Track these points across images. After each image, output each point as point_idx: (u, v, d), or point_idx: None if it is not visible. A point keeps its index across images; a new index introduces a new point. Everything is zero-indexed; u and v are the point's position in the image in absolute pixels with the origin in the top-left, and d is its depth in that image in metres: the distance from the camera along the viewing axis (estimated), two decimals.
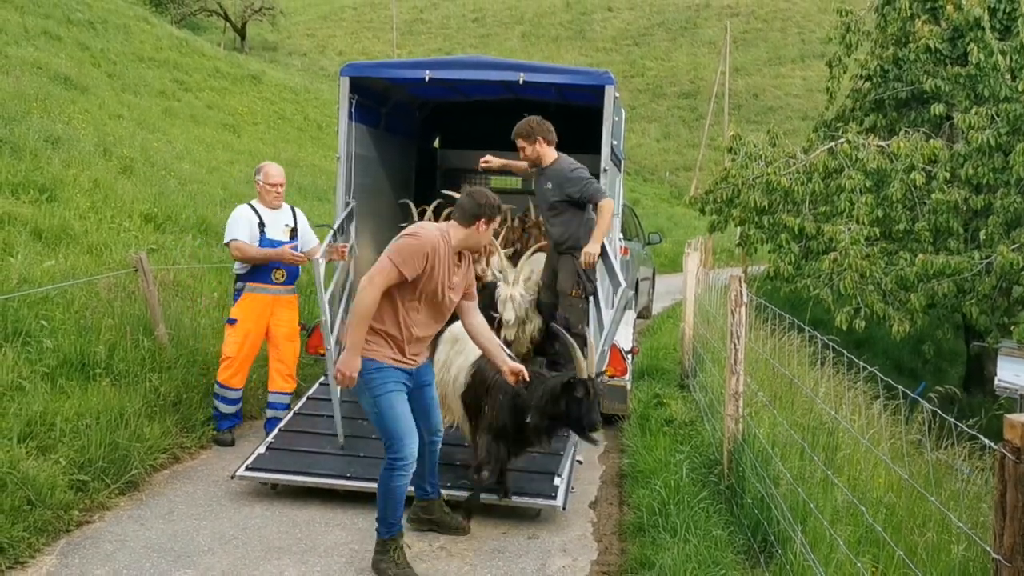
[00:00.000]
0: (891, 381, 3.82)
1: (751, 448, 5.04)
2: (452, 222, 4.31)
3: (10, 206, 8.20)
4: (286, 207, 6.52)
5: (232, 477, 5.43)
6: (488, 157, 6.66)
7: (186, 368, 6.59)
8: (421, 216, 7.54)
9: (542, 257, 6.74)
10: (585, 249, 5.92)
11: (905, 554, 3.66)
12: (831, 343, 4.98)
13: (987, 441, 2.78)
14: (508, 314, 6.31)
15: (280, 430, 6.00)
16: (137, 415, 5.75)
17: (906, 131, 12.36)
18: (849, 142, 12.25)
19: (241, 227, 6.22)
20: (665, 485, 5.10)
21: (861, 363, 4.26)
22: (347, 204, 7.20)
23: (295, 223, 6.47)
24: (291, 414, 6.31)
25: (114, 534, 4.73)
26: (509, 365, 4.50)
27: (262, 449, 5.68)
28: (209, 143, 16.45)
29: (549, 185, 6.16)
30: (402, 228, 5.22)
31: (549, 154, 6.14)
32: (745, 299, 5.20)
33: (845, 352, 4.42)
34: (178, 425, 6.15)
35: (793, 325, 6.50)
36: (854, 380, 6.17)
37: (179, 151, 14.22)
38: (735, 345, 5.15)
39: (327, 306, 5.77)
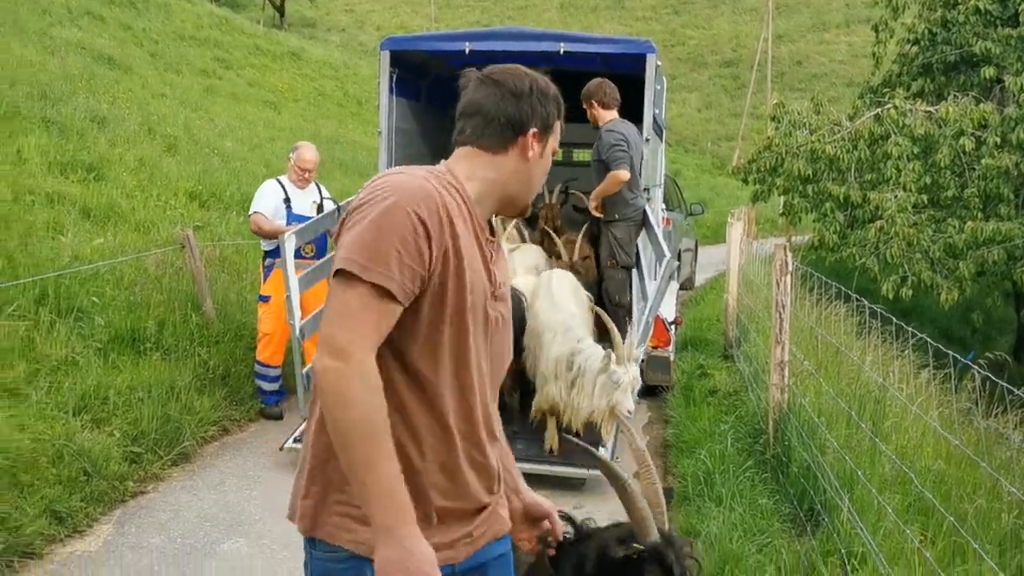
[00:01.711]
0: (940, 347, 3.75)
1: (797, 417, 5.01)
2: (461, 152, 1.95)
3: (59, 185, 8.35)
4: (313, 185, 6.58)
5: (280, 449, 5.53)
6: None
7: (233, 342, 6.70)
8: None
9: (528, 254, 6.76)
10: (590, 199, 6.23)
11: (955, 521, 3.62)
12: (879, 311, 4.92)
13: None
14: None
15: None
16: (187, 388, 5.87)
17: (955, 96, 12.05)
18: (896, 108, 11.98)
19: (264, 201, 6.31)
20: (710, 455, 5.09)
21: (910, 329, 4.19)
22: None
23: (322, 200, 6.52)
24: None
25: (168, 504, 4.85)
26: (527, 504, 2.14)
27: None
28: (251, 120, 16.58)
29: (595, 146, 6.18)
30: None
31: (603, 116, 6.13)
32: (790, 268, 5.14)
33: (893, 319, 4.35)
34: (227, 398, 6.26)
35: (839, 294, 6.42)
36: (901, 349, 6.08)
37: (221, 129, 14.35)
38: (780, 314, 5.10)
39: (295, 287, 5.59)
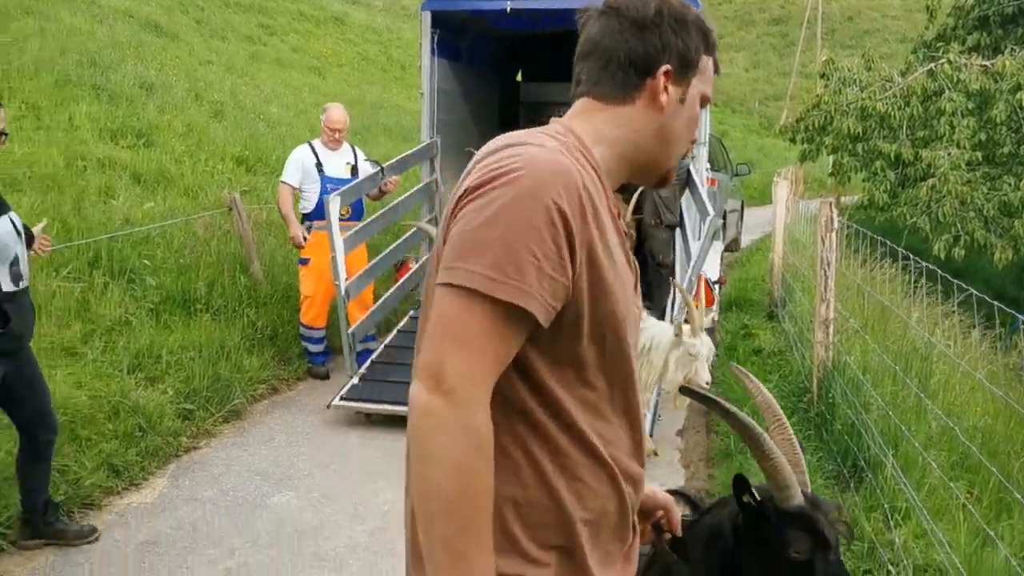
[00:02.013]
0: (988, 299, 3.69)
1: (841, 375, 4.97)
2: (578, 107, 1.50)
3: (110, 151, 8.52)
4: (347, 146, 6.60)
5: (328, 407, 5.65)
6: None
7: (280, 303, 6.82)
8: None
9: None
10: None
11: (1002, 477, 3.58)
12: (927, 268, 4.83)
13: None
14: None
15: (372, 362, 6.18)
16: (237, 348, 6.01)
17: (1012, 49, 11.66)
18: (950, 62, 11.64)
19: (291, 169, 6.38)
20: (753, 412, 5.07)
21: (956, 283, 4.12)
22: (431, 140, 7.26)
23: (356, 161, 6.55)
24: (381, 346, 6.48)
25: (220, 459, 4.99)
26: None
27: (355, 380, 5.87)
28: (295, 86, 16.67)
29: None
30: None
31: None
32: (835, 225, 5.07)
33: (940, 273, 4.27)
34: (275, 358, 6.39)
35: (887, 253, 6.32)
36: (952, 308, 5.98)
37: (267, 95, 14.46)
38: (825, 272, 5.04)
39: (340, 248, 5.69)
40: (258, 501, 4.46)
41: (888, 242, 5.34)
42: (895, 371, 4.65)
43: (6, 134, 3.56)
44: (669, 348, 4.74)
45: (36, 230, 3.93)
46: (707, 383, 4.72)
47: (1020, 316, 4.91)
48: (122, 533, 4.06)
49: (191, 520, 4.22)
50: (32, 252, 3.87)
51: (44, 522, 3.85)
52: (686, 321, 4.80)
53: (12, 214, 3.56)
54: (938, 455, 4.24)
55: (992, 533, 3.30)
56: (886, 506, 3.86)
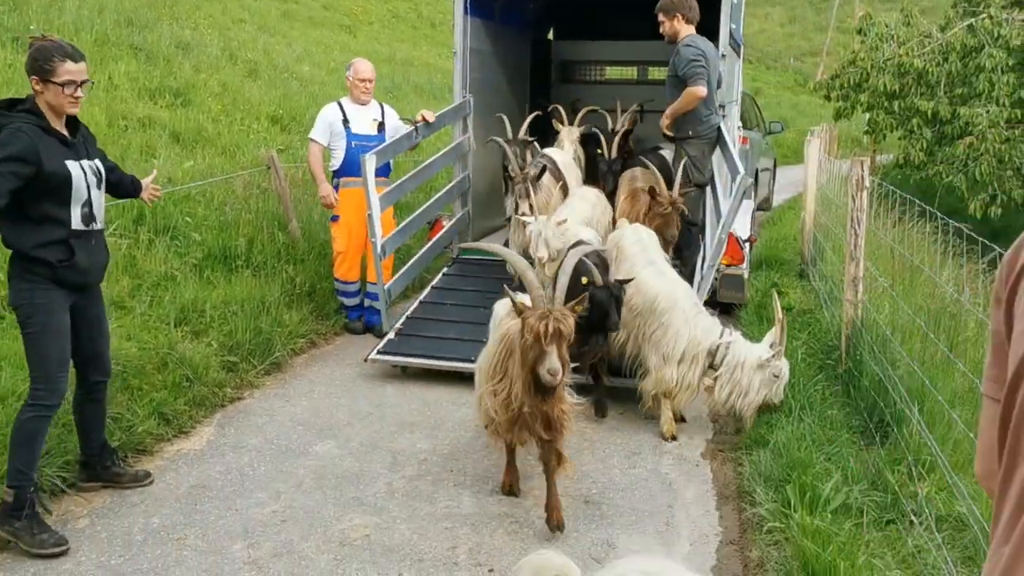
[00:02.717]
0: None
1: (870, 333, 5.03)
2: None
3: (149, 110, 8.68)
4: (374, 103, 6.64)
5: (365, 360, 5.82)
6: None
7: (318, 260, 6.98)
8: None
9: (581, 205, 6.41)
10: (660, 123, 6.21)
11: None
12: (960, 228, 4.86)
13: None
14: (541, 251, 5.50)
15: (407, 317, 6.33)
16: (276, 303, 6.19)
17: None
18: (991, 17, 11.43)
19: (320, 127, 6.45)
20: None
21: (980, 241, 4.15)
22: (463, 99, 7.33)
23: (383, 118, 6.60)
24: (416, 302, 6.63)
25: (263, 409, 5.18)
26: None
27: (391, 335, 6.03)
28: (327, 45, 16.73)
29: (670, 60, 6.10)
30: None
31: (684, 31, 6.00)
32: (867, 184, 5.10)
33: (968, 232, 4.31)
34: (313, 313, 6.56)
35: (922, 213, 6.31)
36: (986, 269, 5.99)
37: (299, 53, 14.55)
38: (855, 230, 5.09)
39: (376, 205, 5.83)
40: (301, 449, 4.65)
41: (918, 201, 5.36)
42: (923, 329, 4.70)
43: (91, 81, 3.74)
44: (755, 368, 4.62)
45: (146, 181, 4.24)
46: (781, 403, 4.67)
47: None
48: (173, 477, 4.26)
49: (238, 466, 4.42)
50: (144, 200, 4.29)
51: (102, 466, 4.06)
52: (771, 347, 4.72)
53: (88, 162, 3.74)
54: (965, 411, 4.31)
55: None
56: (911, 459, 3.95)
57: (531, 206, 6.00)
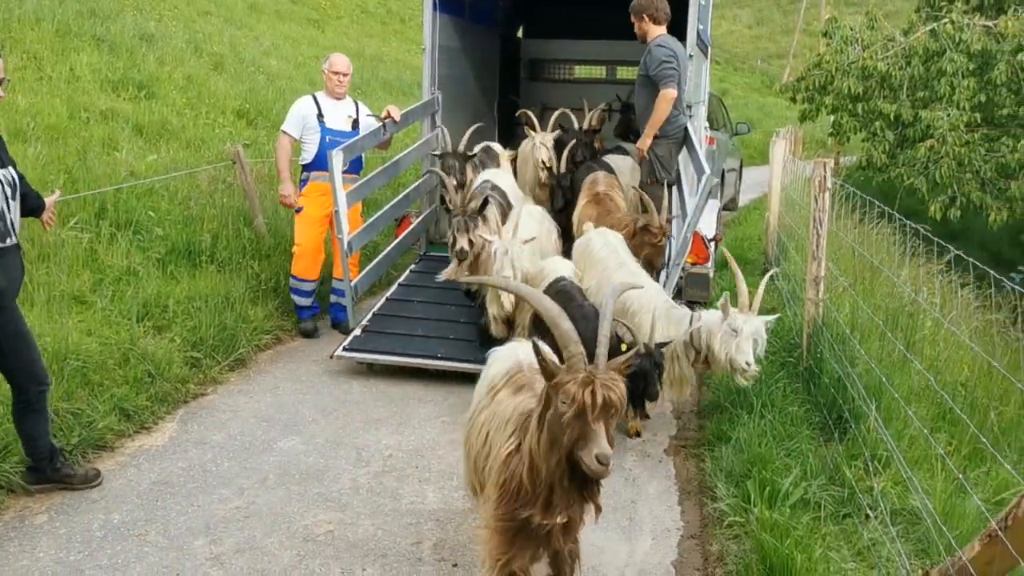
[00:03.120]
0: (974, 261, 3.81)
1: (830, 331, 5.11)
2: None
3: (112, 102, 8.57)
4: (349, 99, 6.60)
5: (331, 357, 5.80)
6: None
7: (284, 256, 6.93)
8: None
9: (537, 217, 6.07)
10: (636, 145, 6.11)
11: (977, 428, 3.74)
12: (919, 229, 4.95)
13: None
14: (507, 271, 5.04)
15: (374, 314, 6.32)
16: (241, 299, 6.15)
17: (1015, 9, 11.64)
18: (953, 22, 11.62)
19: (293, 120, 6.37)
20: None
21: (935, 240, 4.24)
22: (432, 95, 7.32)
23: (357, 115, 6.56)
24: (383, 299, 6.62)
25: (227, 405, 5.15)
26: None
27: (358, 331, 6.02)
28: (295, 39, 16.59)
29: (641, 60, 6.15)
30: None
31: (652, 31, 6.06)
32: (829, 184, 5.17)
33: (928, 234, 4.39)
34: (279, 309, 6.53)
35: (883, 215, 6.42)
36: (946, 269, 6.10)
37: (266, 47, 14.42)
38: (817, 230, 5.16)
39: (343, 201, 5.74)
40: (265, 445, 4.62)
41: (878, 203, 5.45)
42: (881, 327, 4.79)
43: (7, 80, 3.58)
44: (719, 327, 4.54)
45: (49, 201, 3.97)
46: (748, 364, 4.40)
47: (1010, 280, 5.04)
48: (135, 473, 4.22)
49: (200, 462, 4.38)
50: (42, 222, 3.97)
51: (52, 468, 3.96)
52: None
53: (2, 170, 3.55)
54: (920, 408, 4.40)
55: (965, 480, 3.47)
56: (867, 454, 4.02)
57: (471, 242, 5.44)
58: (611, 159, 7.16)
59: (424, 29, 7.24)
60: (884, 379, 4.26)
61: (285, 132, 6.40)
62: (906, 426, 4.12)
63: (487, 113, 8.94)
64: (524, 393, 2.85)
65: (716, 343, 4.52)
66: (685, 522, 4.01)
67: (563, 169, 6.91)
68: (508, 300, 5.23)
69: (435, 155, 6.99)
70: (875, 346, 4.86)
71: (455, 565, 3.55)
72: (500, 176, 6.69)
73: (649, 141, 6.02)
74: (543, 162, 6.81)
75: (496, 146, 7.63)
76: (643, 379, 4.40)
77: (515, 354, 3.12)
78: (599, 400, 2.36)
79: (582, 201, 6.45)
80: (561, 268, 5.16)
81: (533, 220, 5.84)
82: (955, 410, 3.67)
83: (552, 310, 2.56)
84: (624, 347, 4.30)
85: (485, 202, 5.67)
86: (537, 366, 2.55)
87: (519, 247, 5.09)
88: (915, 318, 5.08)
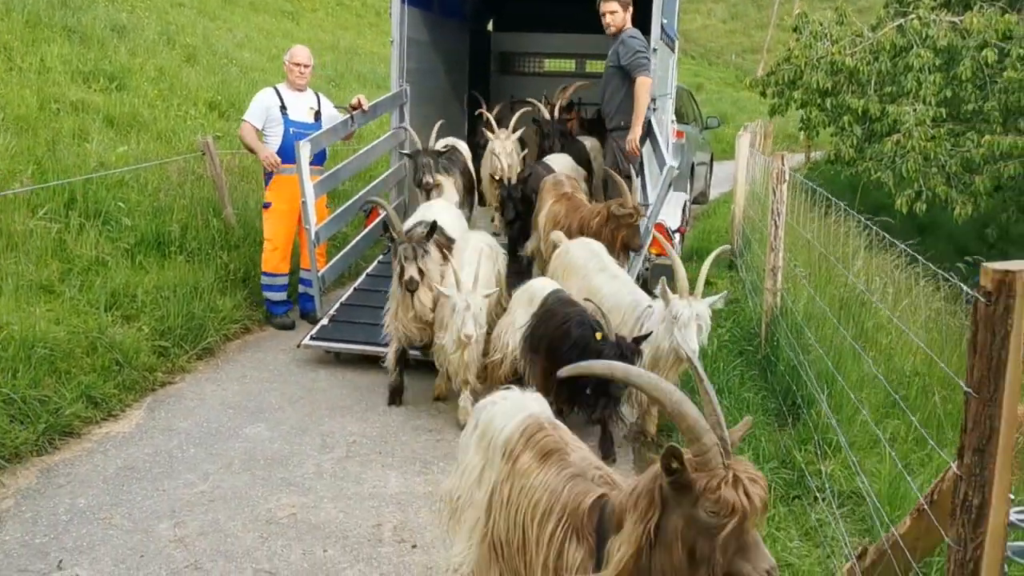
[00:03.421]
0: (921, 259, 3.93)
1: (786, 320, 5.24)
2: None
3: (83, 94, 8.56)
4: (311, 91, 6.63)
5: (298, 346, 5.87)
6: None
7: (253, 247, 6.97)
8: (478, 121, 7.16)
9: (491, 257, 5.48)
10: (628, 138, 6.11)
11: (922, 415, 3.88)
12: (870, 222, 5.08)
13: None
14: (469, 328, 4.48)
15: (341, 303, 6.39)
16: (210, 289, 6.20)
17: (981, 5, 11.84)
18: (920, 18, 11.81)
19: (255, 110, 6.37)
20: (701, 355, 5.34)
21: (889, 238, 4.37)
22: (400, 88, 7.39)
23: (319, 107, 6.60)
24: (351, 289, 6.69)
25: (194, 393, 5.21)
26: None
27: (325, 321, 6.09)
28: (269, 31, 16.56)
29: (610, 51, 6.25)
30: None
31: (626, 21, 6.22)
32: (787, 177, 5.30)
33: (874, 227, 4.52)
34: (247, 299, 6.57)
35: (847, 209, 6.57)
36: (907, 262, 6.25)
37: (240, 39, 14.39)
38: (775, 222, 5.29)
39: (311, 193, 5.81)
40: (231, 432, 4.69)
41: (831, 196, 5.59)
42: (830, 317, 4.93)
43: None
44: (661, 322, 4.29)
45: None
46: (693, 351, 4.09)
47: (971, 276, 5.19)
48: (101, 459, 4.28)
49: (167, 448, 4.45)
50: None
51: None
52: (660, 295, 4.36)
53: None
54: (873, 394, 4.54)
55: (905, 464, 3.60)
56: (817, 439, 4.15)
57: (421, 271, 4.89)
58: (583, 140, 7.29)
59: (392, 22, 7.29)
60: (834, 367, 4.39)
61: (247, 120, 6.40)
62: (855, 412, 4.26)
63: (457, 106, 9.01)
64: (554, 463, 2.41)
65: (660, 333, 4.30)
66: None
67: (517, 174, 6.80)
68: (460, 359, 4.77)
69: (405, 154, 7.00)
70: (828, 335, 4.99)
71: (414, 546, 3.65)
72: (440, 210, 5.92)
73: (639, 131, 6.06)
74: (499, 171, 6.80)
75: (462, 145, 7.64)
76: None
77: (524, 405, 2.71)
78: (757, 503, 1.90)
79: (549, 202, 6.27)
80: (548, 285, 4.83)
81: (474, 253, 5.09)
82: (895, 397, 3.80)
83: (673, 396, 2.04)
84: (599, 336, 4.10)
85: (433, 227, 5.05)
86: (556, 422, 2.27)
87: (480, 301, 4.57)
88: (868, 307, 5.22)
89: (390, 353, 5.21)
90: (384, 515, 3.89)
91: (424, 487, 4.16)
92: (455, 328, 4.54)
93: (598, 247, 5.27)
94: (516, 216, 6.60)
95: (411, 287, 4.84)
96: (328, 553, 3.56)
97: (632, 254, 6.15)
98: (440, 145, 6.99)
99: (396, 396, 5.21)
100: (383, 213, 7.28)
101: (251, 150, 6.49)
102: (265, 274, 6.46)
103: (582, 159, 7.38)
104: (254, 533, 3.69)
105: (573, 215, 5.95)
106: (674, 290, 4.37)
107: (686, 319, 4.20)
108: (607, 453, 4.47)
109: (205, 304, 6.02)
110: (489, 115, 7.37)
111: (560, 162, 6.89)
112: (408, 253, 4.88)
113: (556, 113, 7.54)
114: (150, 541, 3.59)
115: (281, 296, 6.55)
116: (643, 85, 5.98)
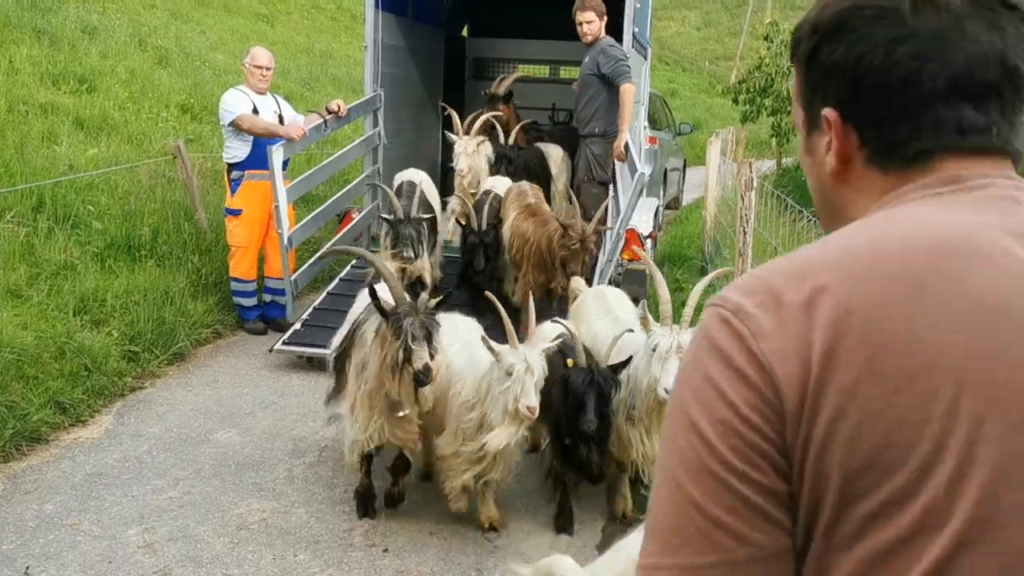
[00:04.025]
0: None
1: None
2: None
3: (52, 96, 8.49)
4: (270, 95, 6.52)
5: (270, 351, 5.86)
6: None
7: (224, 251, 6.93)
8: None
9: None
10: (615, 143, 6.14)
11: None
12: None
13: None
14: (532, 399, 3.42)
15: (314, 308, 6.39)
16: (181, 293, 6.17)
17: None
18: None
19: (240, 103, 6.19)
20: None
21: None
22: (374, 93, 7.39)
23: (280, 110, 6.50)
24: (324, 294, 6.68)
25: (164, 398, 5.18)
26: None
27: (298, 325, 6.08)
28: (243, 34, 16.48)
29: (587, 59, 6.33)
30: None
31: (603, 30, 6.32)
32: (755, 184, 5.38)
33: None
34: (219, 304, 6.55)
35: (814, 216, 6.67)
36: None
37: (213, 42, 14.32)
38: (744, 227, 5.36)
39: (284, 197, 5.79)
40: (202, 437, 4.68)
41: (793, 203, 5.67)
42: None
43: None
44: (617, 334, 3.88)
45: None
46: (666, 391, 3.47)
47: None
48: (69, 465, 4.25)
49: (136, 454, 4.43)
50: None
51: None
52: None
53: None
54: None
55: None
56: None
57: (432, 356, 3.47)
58: (544, 147, 7.33)
59: (366, 27, 7.30)
60: None
61: (240, 112, 6.15)
62: None
63: (431, 111, 9.03)
64: None
65: (638, 367, 3.72)
66: (611, 509, 4.16)
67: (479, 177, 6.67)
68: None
69: (385, 219, 6.06)
70: None
71: (385, 550, 3.66)
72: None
73: (625, 138, 6.06)
74: (461, 172, 6.59)
75: (419, 176, 6.62)
76: (576, 399, 3.55)
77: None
78: None
79: (513, 214, 6.05)
80: (552, 330, 4.09)
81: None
82: None
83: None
84: (570, 363, 3.67)
85: (441, 302, 3.72)
86: None
87: (539, 358, 3.57)
88: None
89: (351, 455, 3.88)
90: (355, 520, 3.89)
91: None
92: (509, 400, 3.47)
93: (610, 292, 4.80)
94: (486, 262, 5.90)
95: (425, 379, 3.41)
96: (299, 558, 3.57)
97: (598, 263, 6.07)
98: (398, 181, 6.57)
99: (367, 505, 3.96)
100: (357, 217, 7.31)
101: (270, 134, 6.13)
102: (235, 280, 6.43)
103: (533, 171, 7.07)
104: (224, 538, 3.68)
105: (540, 231, 5.72)
106: (657, 317, 3.77)
107: (664, 350, 3.57)
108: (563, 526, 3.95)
109: (176, 309, 5.99)
110: (455, 114, 7.24)
111: (502, 186, 6.49)
112: (416, 331, 3.41)
113: (512, 139, 7.20)
114: (118, 547, 3.57)
115: (251, 301, 6.53)
116: (628, 92, 6.10)
